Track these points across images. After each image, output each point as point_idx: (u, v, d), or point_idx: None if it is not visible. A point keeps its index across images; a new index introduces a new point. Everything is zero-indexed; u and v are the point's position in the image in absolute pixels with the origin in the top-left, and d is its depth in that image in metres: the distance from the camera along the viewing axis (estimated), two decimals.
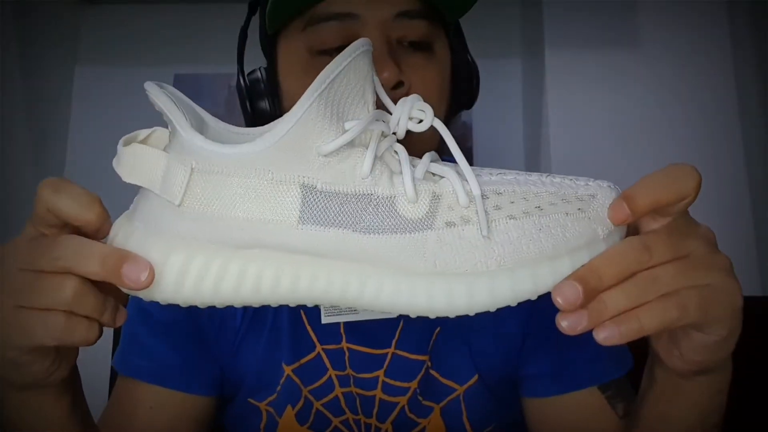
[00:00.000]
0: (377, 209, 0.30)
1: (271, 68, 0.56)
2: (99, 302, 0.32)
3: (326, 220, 0.30)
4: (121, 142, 0.32)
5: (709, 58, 1.28)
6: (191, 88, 1.47)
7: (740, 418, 0.54)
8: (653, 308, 0.29)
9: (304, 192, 0.30)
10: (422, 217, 0.31)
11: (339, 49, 0.51)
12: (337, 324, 0.56)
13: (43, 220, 0.32)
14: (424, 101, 0.34)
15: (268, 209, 0.30)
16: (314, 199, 0.30)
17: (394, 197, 0.31)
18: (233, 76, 0.58)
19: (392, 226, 0.30)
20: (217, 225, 0.30)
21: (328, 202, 0.30)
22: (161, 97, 0.31)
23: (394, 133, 0.33)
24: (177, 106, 0.31)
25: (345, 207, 0.30)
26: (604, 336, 0.29)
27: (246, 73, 0.57)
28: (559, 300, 0.29)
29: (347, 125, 0.30)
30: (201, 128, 0.33)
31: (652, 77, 1.27)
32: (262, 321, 0.57)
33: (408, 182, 0.31)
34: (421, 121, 0.33)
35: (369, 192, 0.30)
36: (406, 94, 0.47)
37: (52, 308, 0.31)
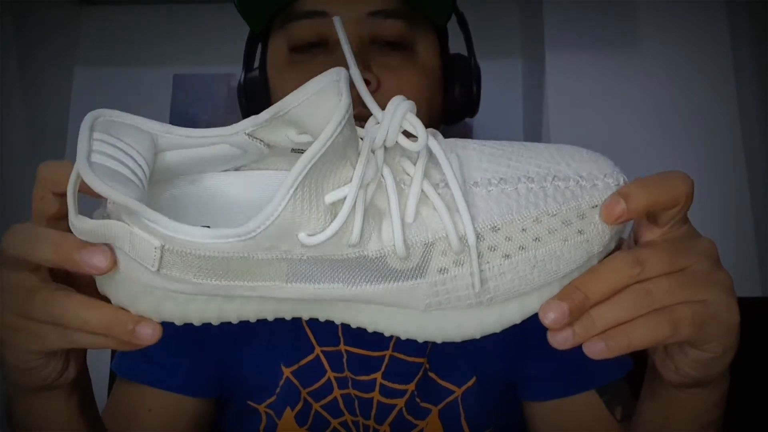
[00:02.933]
0: (368, 268, 0.29)
1: (262, 67, 0.57)
2: (98, 316, 0.29)
3: (315, 278, 0.29)
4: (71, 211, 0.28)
5: (709, 59, 1.27)
6: (190, 88, 1.47)
7: (740, 419, 0.54)
8: (644, 323, 0.29)
9: (290, 264, 0.28)
10: (414, 267, 0.29)
11: (312, 46, 0.51)
12: (336, 326, 0.56)
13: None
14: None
15: (251, 279, 0.28)
16: (301, 267, 0.29)
17: (385, 256, 0.29)
18: (233, 76, 0.59)
19: (383, 277, 0.29)
20: (202, 287, 0.29)
21: (317, 267, 0.29)
22: (100, 186, 0.25)
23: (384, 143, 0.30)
24: (124, 186, 0.26)
25: (334, 269, 0.29)
26: (591, 351, 0.29)
27: (245, 73, 0.58)
28: (545, 321, 0.28)
29: (328, 198, 0.27)
30: (154, 141, 0.30)
31: (652, 78, 1.27)
32: (261, 323, 0.57)
33: (399, 240, 0.28)
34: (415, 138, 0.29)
35: (359, 256, 0.29)
36: (375, 92, 0.46)
37: (46, 321, 0.30)
